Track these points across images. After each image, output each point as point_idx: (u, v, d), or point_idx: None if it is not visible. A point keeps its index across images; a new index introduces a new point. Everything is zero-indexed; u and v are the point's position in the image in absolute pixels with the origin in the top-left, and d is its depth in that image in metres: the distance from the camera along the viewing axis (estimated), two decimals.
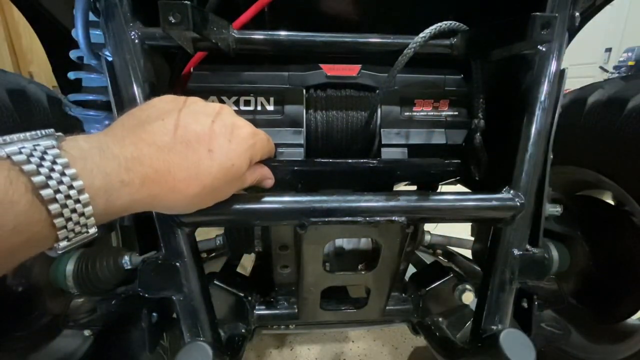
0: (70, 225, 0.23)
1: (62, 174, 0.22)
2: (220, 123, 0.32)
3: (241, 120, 0.34)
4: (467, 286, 0.58)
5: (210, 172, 0.30)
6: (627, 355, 0.60)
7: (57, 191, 0.22)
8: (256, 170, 0.37)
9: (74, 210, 0.23)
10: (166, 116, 0.30)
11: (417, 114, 0.47)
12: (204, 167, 0.30)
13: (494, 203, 0.42)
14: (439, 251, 0.84)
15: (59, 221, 0.23)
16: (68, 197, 0.23)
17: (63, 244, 0.24)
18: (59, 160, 0.23)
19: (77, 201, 0.23)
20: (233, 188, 0.35)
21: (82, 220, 0.24)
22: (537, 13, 0.36)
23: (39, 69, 2.10)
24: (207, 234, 0.74)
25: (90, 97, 0.51)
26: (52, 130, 0.25)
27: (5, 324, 0.49)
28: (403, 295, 0.62)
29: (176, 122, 0.30)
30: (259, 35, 0.41)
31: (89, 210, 0.24)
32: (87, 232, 0.25)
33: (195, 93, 0.43)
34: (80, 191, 0.23)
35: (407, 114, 0.47)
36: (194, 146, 0.30)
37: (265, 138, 0.37)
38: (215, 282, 0.55)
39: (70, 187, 0.23)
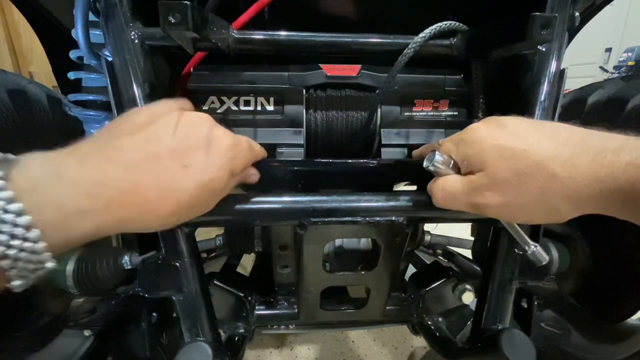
0: (20, 264, 0.22)
1: (5, 210, 0.20)
2: (197, 135, 0.30)
3: (221, 131, 0.32)
4: (467, 286, 0.58)
5: (187, 189, 0.28)
6: (627, 355, 0.60)
7: (0, 232, 0.20)
8: (234, 180, 0.35)
9: (22, 250, 0.21)
10: (137, 130, 0.28)
11: (417, 114, 0.47)
12: (179, 184, 0.28)
13: None
14: (439, 251, 0.84)
15: (5, 263, 0.21)
16: (13, 236, 0.21)
17: (17, 282, 0.22)
18: (2, 194, 0.20)
19: (26, 239, 0.21)
20: (214, 200, 0.33)
21: (34, 257, 0.22)
22: (537, 13, 0.36)
23: (39, 69, 2.10)
24: (207, 234, 0.74)
25: (90, 97, 0.51)
26: (1, 155, 0.22)
27: (5, 324, 0.49)
28: (403, 295, 0.62)
29: (147, 136, 0.28)
30: (258, 35, 0.41)
31: (40, 246, 0.22)
32: (44, 266, 0.23)
33: (195, 93, 0.44)
34: (28, 228, 0.21)
35: (407, 114, 0.47)
36: (166, 163, 0.28)
37: (246, 147, 0.35)
38: (215, 282, 0.55)
39: (15, 224, 0.21)
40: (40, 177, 0.23)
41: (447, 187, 0.34)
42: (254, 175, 0.39)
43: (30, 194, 0.22)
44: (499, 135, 0.31)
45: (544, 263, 0.38)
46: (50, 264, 0.23)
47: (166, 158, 0.28)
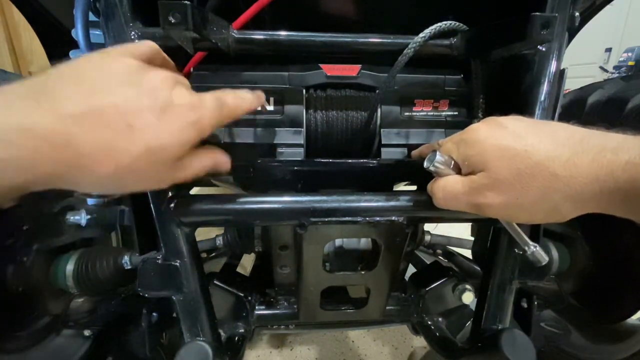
0: None
1: None
2: (151, 95, 0.27)
3: (181, 91, 0.29)
4: (467, 286, 0.58)
5: (129, 151, 0.25)
6: (627, 355, 0.60)
7: None
8: (204, 155, 0.32)
9: None
10: (84, 80, 0.25)
11: (417, 114, 0.47)
12: (121, 144, 0.25)
13: None
14: (439, 251, 0.84)
15: None
16: None
17: None
18: None
19: None
20: (166, 174, 0.29)
21: None
22: (537, 13, 0.36)
23: (39, 69, 2.10)
24: (207, 234, 0.74)
25: None
26: None
27: (5, 324, 0.49)
28: (403, 295, 0.62)
29: (93, 87, 0.25)
30: (259, 35, 0.41)
31: None
32: None
33: None
34: None
35: (407, 114, 0.47)
36: (109, 119, 0.25)
37: (213, 107, 0.30)
38: (215, 282, 0.55)
39: None
40: None
41: (447, 187, 0.34)
42: (224, 163, 0.35)
43: None
44: (500, 136, 0.31)
45: (543, 263, 0.38)
46: None
47: (109, 114, 0.25)
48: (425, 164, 0.34)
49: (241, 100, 0.34)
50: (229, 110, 0.32)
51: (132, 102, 0.26)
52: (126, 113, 0.25)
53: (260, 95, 0.36)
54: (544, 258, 0.38)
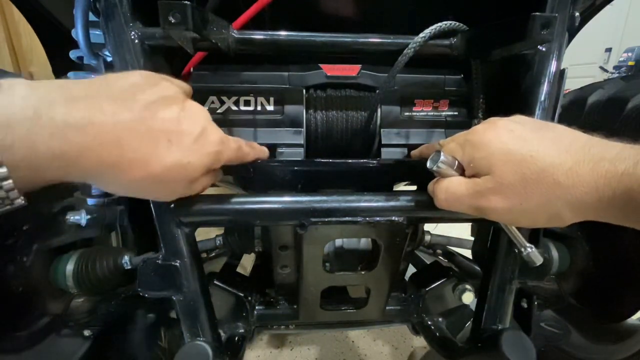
0: None
1: None
2: (191, 120, 0.31)
3: (213, 126, 0.34)
4: (467, 286, 0.58)
5: (162, 162, 0.29)
6: (627, 355, 0.60)
7: None
8: (207, 179, 0.36)
9: None
10: (140, 94, 0.28)
11: (417, 114, 0.47)
12: (157, 154, 0.28)
13: None
14: (439, 251, 0.84)
15: None
16: None
17: None
18: None
19: None
20: (182, 189, 0.33)
21: (1, 193, 0.22)
22: (537, 13, 0.36)
23: (39, 69, 2.09)
24: (207, 234, 0.74)
25: None
26: None
27: (5, 324, 0.49)
28: (403, 295, 0.62)
29: (147, 103, 0.28)
30: (258, 35, 0.41)
31: (8, 184, 0.22)
32: (12, 203, 0.23)
33: (195, 93, 0.44)
34: None
35: (407, 114, 0.47)
36: (155, 132, 0.28)
37: (234, 147, 0.36)
38: (215, 282, 0.55)
39: None
40: (16, 113, 0.22)
41: (451, 188, 0.34)
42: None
43: (3, 130, 0.21)
44: (507, 139, 0.31)
45: (537, 264, 0.38)
46: (20, 202, 0.24)
47: (156, 129, 0.28)
48: (429, 164, 0.34)
49: (252, 149, 0.40)
50: (242, 153, 0.38)
51: (176, 123, 0.30)
52: (170, 131, 0.29)
53: (265, 150, 0.42)
54: (538, 259, 0.38)
